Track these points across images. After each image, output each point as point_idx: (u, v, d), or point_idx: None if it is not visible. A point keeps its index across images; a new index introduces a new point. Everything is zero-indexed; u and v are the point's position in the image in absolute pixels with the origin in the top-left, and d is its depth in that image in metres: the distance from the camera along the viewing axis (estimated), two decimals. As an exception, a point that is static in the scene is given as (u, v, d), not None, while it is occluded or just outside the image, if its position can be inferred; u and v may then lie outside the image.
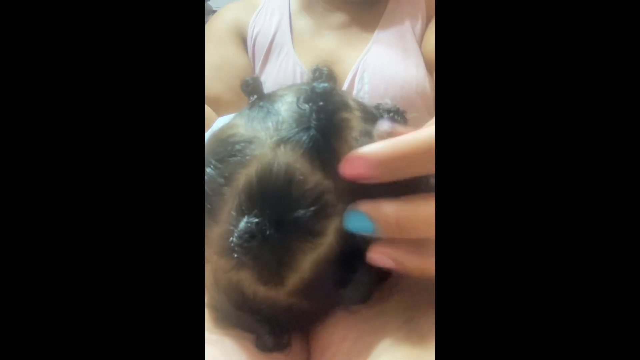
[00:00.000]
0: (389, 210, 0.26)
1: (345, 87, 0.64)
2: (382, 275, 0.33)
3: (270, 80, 0.67)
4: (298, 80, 0.67)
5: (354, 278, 0.29)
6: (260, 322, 0.31)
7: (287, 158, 0.27)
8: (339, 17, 0.69)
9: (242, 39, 0.73)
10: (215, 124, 0.34)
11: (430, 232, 0.25)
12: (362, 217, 0.27)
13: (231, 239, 0.27)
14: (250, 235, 0.26)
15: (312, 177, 0.27)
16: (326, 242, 0.28)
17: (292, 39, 0.69)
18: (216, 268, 0.30)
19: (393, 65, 0.64)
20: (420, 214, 0.26)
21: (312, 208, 0.27)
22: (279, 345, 0.31)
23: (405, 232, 0.27)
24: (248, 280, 0.29)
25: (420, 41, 0.67)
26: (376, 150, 0.26)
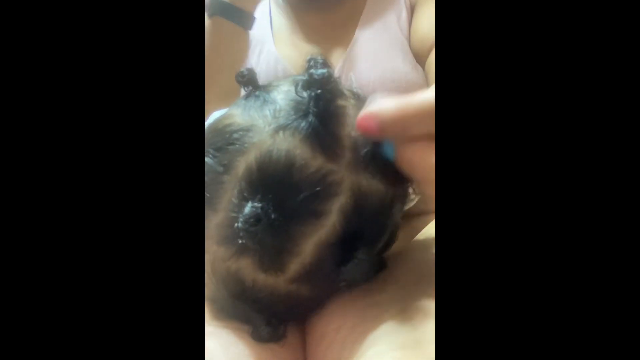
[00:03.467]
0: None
1: None
2: (378, 259, 0.33)
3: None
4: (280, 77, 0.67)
5: (356, 256, 0.29)
6: (257, 312, 0.31)
7: (287, 144, 0.27)
8: (315, 16, 0.69)
9: None
10: (210, 118, 0.34)
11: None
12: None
13: (236, 224, 0.27)
14: (256, 220, 0.26)
15: (313, 162, 0.27)
16: (328, 223, 0.28)
17: (272, 37, 0.69)
18: (214, 258, 0.30)
19: (379, 61, 0.63)
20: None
21: (316, 189, 0.27)
22: (275, 336, 0.32)
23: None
24: (248, 268, 0.29)
25: (407, 32, 0.66)
26: (386, 109, 0.26)
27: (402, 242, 0.38)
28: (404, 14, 0.66)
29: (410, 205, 0.35)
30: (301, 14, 0.70)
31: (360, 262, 0.29)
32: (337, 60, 0.65)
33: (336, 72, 0.65)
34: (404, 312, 0.31)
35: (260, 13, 0.72)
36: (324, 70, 0.28)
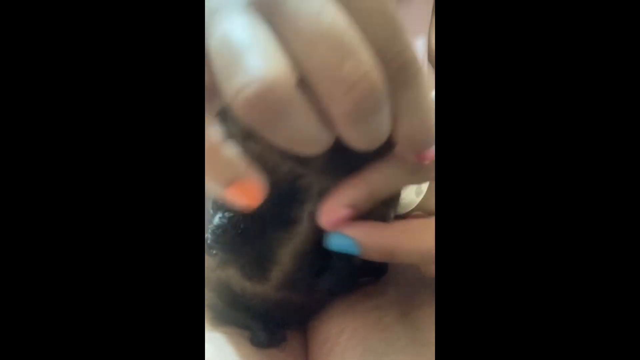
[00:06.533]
0: (379, 237, 0.25)
1: None
2: (376, 264, 0.33)
3: None
4: None
5: (331, 265, 0.28)
6: (253, 318, 0.31)
7: (257, 149, 0.26)
8: None
9: None
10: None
11: (425, 260, 0.25)
12: (348, 240, 0.26)
13: (206, 235, 0.27)
14: (223, 230, 0.26)
15: (283, 166, 0.26)
16: (302, 231, 0.27)
17: None
18: (206, 267, 0.30)
19: None
20: (414, 243, 0.25)
21: (285, 195, 0.26)
22: (274, 341, 0.31)
23: (396, 259, 0.26)
24: (234, 277, 0.29)
25: (426, 41, 0.66)
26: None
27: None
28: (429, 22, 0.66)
29: (410, 208, 0.35)
30: None
31: (335, 271, 0.28)
32: None
33: None
34: (405, 315, 0.31)
35: None
36: None
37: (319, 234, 0.27)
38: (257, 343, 0.31)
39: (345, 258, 0.28)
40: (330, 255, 0.28)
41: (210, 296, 0.31)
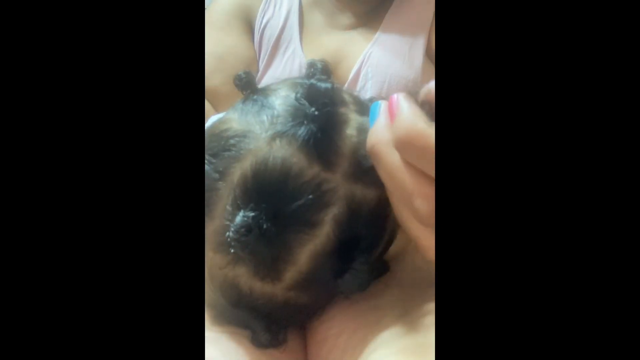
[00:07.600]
0: (391, 158, 0.25)
1: (348, 82, 0.64)
2: (379, 263, 0.33)
3: (275, 79, 0.66)
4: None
5: (352, 266, 0.29)
6: (256, 318, 0.31)
7: (283, 152, 0.27)
8: (347, 17, 0.68)
9: (249, 26, 0.70)
10: (208, 122, 0.34)
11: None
12: (375, 114, 0.26)
13: (228, 233, 0.27)
14: (247, 230, 0.26)
15: (309, 171, 0.27)
16: (323, 233, 0.28)
17: (300, 34, 0.68)
18: (211, 264, 0.30)
19: (395, 62, 0.63)
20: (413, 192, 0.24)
21: (309, 198, 0.27)
22: (275, 342, 0.31)
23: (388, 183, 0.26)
24: (244, 276, 0.29)
25: (426, 39, 0.66)
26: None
27: (404, 244, 0.38)
28: (430, 21, 0.66)
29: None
30: (332, 13, 0.69)
31: (357, 272, 0.29)
32: (355, 61, 0.65)
33: (353, 71, 0.65)
34: (405, 315, 0.31)
35: (289, 7, 0.71)
36: (328, 85, 0.28)
37: (340, 237, 0.28)
38: (258, 343, 0.31)
39: (365, 260, 0.29)
40: (351, 256, 0.28)
41: (213, 295, 0.31)
